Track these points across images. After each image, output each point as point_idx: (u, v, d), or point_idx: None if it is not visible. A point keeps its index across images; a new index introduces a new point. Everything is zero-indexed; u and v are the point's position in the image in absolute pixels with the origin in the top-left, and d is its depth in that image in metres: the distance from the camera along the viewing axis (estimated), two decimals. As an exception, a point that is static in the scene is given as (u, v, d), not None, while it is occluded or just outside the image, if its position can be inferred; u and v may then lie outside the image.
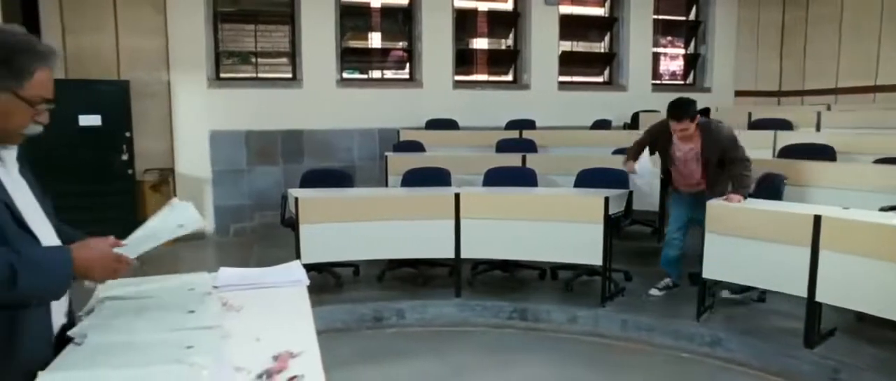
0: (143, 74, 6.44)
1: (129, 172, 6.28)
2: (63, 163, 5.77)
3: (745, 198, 3.90)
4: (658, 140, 4.29)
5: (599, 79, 8.79)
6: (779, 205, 3.94)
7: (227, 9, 7.02)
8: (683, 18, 9.09)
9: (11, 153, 1.44)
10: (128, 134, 6.24)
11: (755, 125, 6.76)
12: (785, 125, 6.41)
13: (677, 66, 9.28)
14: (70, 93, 5.86)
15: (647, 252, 5.49)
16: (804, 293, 3.48)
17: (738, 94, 9.11)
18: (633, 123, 7.70)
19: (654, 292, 4.44)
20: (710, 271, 3.90)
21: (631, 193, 4.66)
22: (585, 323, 4.22)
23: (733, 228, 3.78)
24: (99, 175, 6.12)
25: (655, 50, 8.79)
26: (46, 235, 1.45)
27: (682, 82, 9.20)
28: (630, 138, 6.52)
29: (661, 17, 8.74)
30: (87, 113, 6.04)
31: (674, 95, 8.62)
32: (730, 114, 7.75)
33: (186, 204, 1.57)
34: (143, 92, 6.41)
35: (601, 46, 8.81)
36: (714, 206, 3.88)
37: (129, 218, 6.02)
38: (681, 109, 3.98)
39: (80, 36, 6.22)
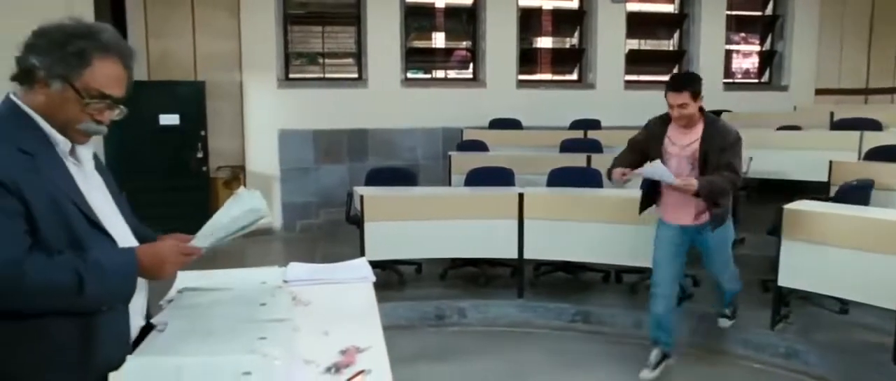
0: (217, 75, 6.73)
1: (204, 169, 6.57)
2: (144, 160, 6.13)
3: (697, 196, 3.20)
4: (652, 140, 3.39)
5: (667, 77, 8.50)
6: (865, 211, 3.71)
7: (296, 11, 7.24)
8: (759, 14, 8.68)
9: (88, 151, 1.42)
10: (203, 132, 6.54)
11: (838, 125, 6.38)
12: (873, 125, 6.01)
13: (751, 63, 8.88)
14: (152, 94, 6.22)
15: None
16: (894, 306, 3.26)
17: (819, 92, 8.62)
18: (704, 123, 7.42)
19: (645, 374, 3.42)
20: (786, 279, 3.71)
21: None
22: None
23: (814, 234, 3.58)
24: (176, 172, 6.43)
25: (728, 47, 8.44)
26: (122, 234, 1.44)
27: (756, 80, 8.80)
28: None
29: (734, 12, 8.39)
30: (167, 113, 6.37)
31: (748, 95, 8.36)
32: (809, 113, 7.37)
33: (253, 192, 1.55)
34: (218, 92, 6.70)
35: (670, 44, 8.54)
36: (792, 210, 3.69)
37: (202, 213, 6.19)
38: (682, 80, 3.27)
39: (162, 40, 6.56)
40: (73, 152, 1.36)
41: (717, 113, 7.48)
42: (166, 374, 1.25)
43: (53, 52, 1.26)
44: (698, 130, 3.26)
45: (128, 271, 1.31)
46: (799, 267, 3.64)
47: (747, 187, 6.50)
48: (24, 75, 1.28)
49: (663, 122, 3.36)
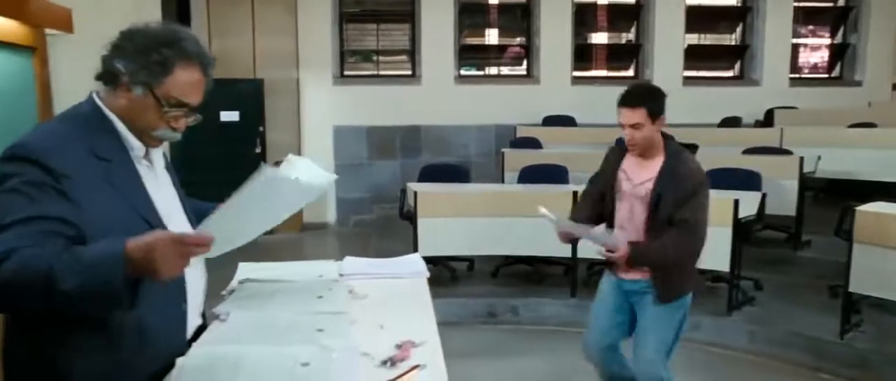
0: (275, 73, 6.91)
1: (262, 164, 6.74)
2: (204, 155, 6.34)
3: (641, 265, 2.46)
4: (605, 174, 2.66)
5: (729, 73, 8.22)
6: (946, 213, 3.48)
7: (352, 9, 7.35)
8: (830, 5, 8.26)
9: (159, 152, 1.43)
10: (261, 128, 6.73)
11: (917, 123, 6.02)
12: (955, 123, 5.65)
13: (820, 57, 8.47)
14: (213, 91, 6.37)
15: (780, 260, 5.06)
16: (976, 315, 3.05)
17: (896, 88, 8.16)
18: (767, 121, 7.13)
19: None
20: (857, 285, 3.53)
21: (764, 195, 4.32)
22: (708, 332, 3.96)
23: (889, 238, 3.38)
24: (234, 167, 6.56)
25: (794, 40, 8.08)
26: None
27: (825, 76, 8.38)
28: (763, 137, 6.10)
29: (803, 4, 8.01)
30: (227, 109, 6.58)
31: (817, 91, 7.98)
32: (886, 110, 6.96)
33: (303, 160, 1.46)
34: (275, 89, 6.88)
35: (731, 38, 8.24)
36: (865, 212, 3.50)
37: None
38: (637, 93, 2.44)
39: (224, 38, 6.78)
40: (146, 155, 1.38)
41: (769, 116, 7.26)
42: (228, 363, 1.29)
43: (138, 60, 1.26)
44: (658, 163, 2.46)
45: (110, 261, 1.08)
46: (871, 273, 3.45)
47: (814, 188, 6.23)
48: (108, 77, 1.30)
49: (621, 150, 2.59)
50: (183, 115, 1.34)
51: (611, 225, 2.57)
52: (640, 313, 2.56)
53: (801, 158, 5.05)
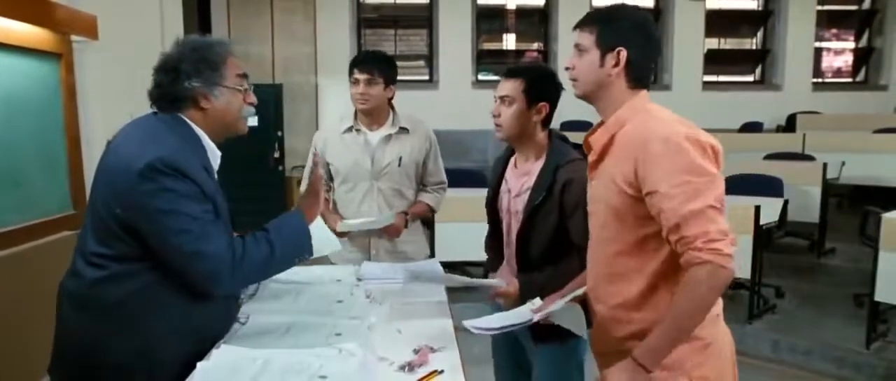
0: (294, 78, 6.97)
1: (280, 168, 6.81)
2: (225, 158, 6.37)
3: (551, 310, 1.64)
4: (490, 189, 2.05)
5: (749, 78, 8.13)
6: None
7: (370, 15, 7.39)
8: (855, 8, 8.13)
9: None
10: (280, 133, 6.78)
11: (944, 128, 5.90)
12: None
13: (843, 61, 8.33)
14: (233, 96, 6.51)
15: (803, 268, 4.98)
16: None
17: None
18: (789, 126, 7.03)
19: None
20: (884, 294, 3.45)
21: (786, 201, 4.25)
22: (730, 340, 3.91)
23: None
24: (253, 171, 6.69)
25: (817, 44, 7.96)
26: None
27: (849, 80, 8.25)
28: (785, 142, 6.01)
29: (826, 7, 7.90)
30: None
31: (841, 95, 7.84)
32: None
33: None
34: (294, 94, 6.94)
35: (752, 42, 8.15)
36: (893, 219, 3.43)
37: (279, 210, 6.54)
38: (521, 68, 1.90)
39: (245, 45, 6.85)
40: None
41: (791, 121, 7.15)
42: (251, 364, 1.30)
43: (203, 72, 1.45)
44: (537, 166, 1.84)
45: (300, 226, 1.53)
46: (899, 281, 3.38)
47: (838, 195, 6.12)
48: (186, 101, 1.47)
49: (507, 154, 2.00)
50: (249, 88, 1.55)
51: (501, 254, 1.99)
52: (538, 360, 1.89)
53: (825, 164, 4.97)
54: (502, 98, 1.83)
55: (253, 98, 1.56)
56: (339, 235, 2.13)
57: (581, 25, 1.48)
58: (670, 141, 1.28)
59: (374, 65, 2.33)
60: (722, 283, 1.25)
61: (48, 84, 2.77)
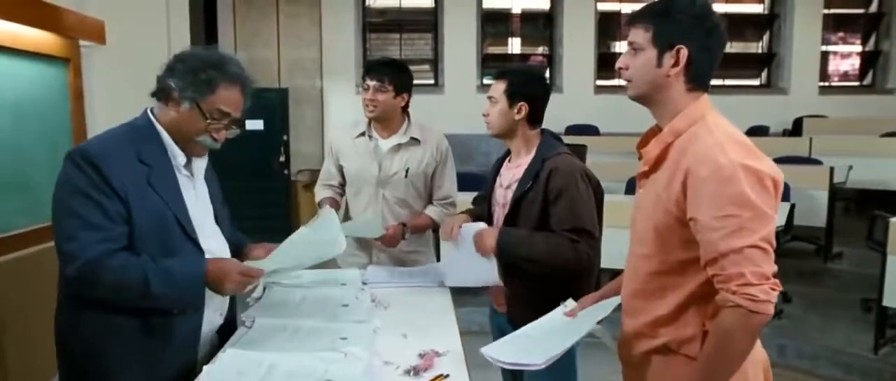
0: (299, 82, 7.00)
1: (285, 172, 6.83)
2: (230, 163, 6.42)
3: (508, 253, 1.84)
4: (485, 189, 2.15)
5: (755, 82, 8.10)
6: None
7: (375, 19, 7.41)
8: (861, 11, 8.10)
9: (202, 163, 1.57)
10: (285, 137, 6.80)
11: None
12: None
13: (850, 65, 8.30)
14: (239, 100, 6.55)
15: (810, 272, 4.95)
16: None
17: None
18: (795, 130, 7.00)
19: None
20: (892, 299, 3.42)
21: (792, 206, 4.23)
22: (737, 345, 3.89)
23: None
24: (259, 175, 6.72)
25: (824, 48, 7.93)
26: (218, 243, 1.56)
27: (856, 83, 8.21)
28: (791, 146, 5.98)
29: (832, 11, 7.87)
30: (252, 118, 6.66)
31: (848, 99, 7.80)
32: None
33: (332, 220, 1.67)
34: (299, 98, 6.96)
35: (758, 46, 8.13)
36: (898, 223, 3.41)
37: (283, 214, 6.59)
38: (505, 71, 2.01)
39: (250, 49, 6.89)
40: (187, 165, 1.52)
41: (797, 125, 7.11)
42: (257, 368, 1.31)
43: (187, 77, 1.44)
44: (528, 160, 1.94)
45: (194, 280, 1.42)
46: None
47: (845, 199, 6.09)
48: (161, 93, 1.47)
49: (506, 153, 2.10)
50: (223, 127, 1.50)
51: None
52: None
53: (832, 168, 4.94)
54: (489, 98, 1.96)
55: (221, 136, 1.50)
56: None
57: (635, 21, 1.32)
58: (722, 167, 1.16)
59: (385, 72, 2.31)
60: (754, 328, 1.16)
61: (56, 88, 2.79)
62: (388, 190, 2.35)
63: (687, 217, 1.21)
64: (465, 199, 2.73)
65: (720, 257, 1.15)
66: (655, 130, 1.37)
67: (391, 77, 2.30)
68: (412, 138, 2.38)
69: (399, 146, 2.37)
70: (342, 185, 2.48)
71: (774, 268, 1.16)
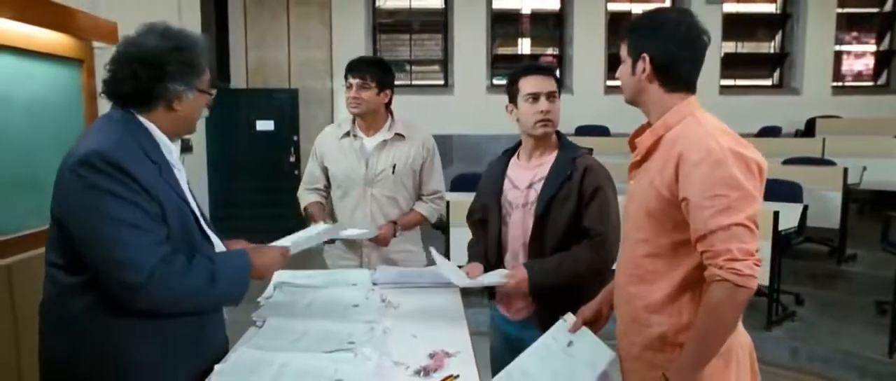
0: (310, 83, 7.02)
1: (296, 172, 6.85)
2: (241, 162, 6.50)
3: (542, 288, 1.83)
4: (487, 189, 2.13)
5: (767, 82, 8.05)
6: None
7: (385, 20, 7.43)
8: (875, 10, 8.02)
9: (178, 152, 1.48)
10: (295, 138, 6.83)
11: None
12: None
13: (864, 65, 8.22)
14: (249, 101, 6.60)
15: (823, 274, 4.90)
16: None
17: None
18: (808, 131, 6.94)
19: None
20: (906, 300, 3.39)
21: (805, 207, 4.19)
22: (748, 347, 3.86)
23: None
24: (270, 174, 6.75)
25: (837, 47, 7.86)
26: (215, 237, 1.50)
27: (870, 83, 8.13)
28: (804, 147, 5.93)
29: (846, 10, 7.80)
30: (263, 119, 6.70)
31: (861, 99, 7.73)
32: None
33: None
34: (310, 99, 6.98)
35: (770, 46, 8.07)
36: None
37: (293, 213, 6.61)
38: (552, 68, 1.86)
39: (260, 50, 6.93)
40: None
41: (810, 126, 7.04)
42: (268, 368, 1.31)
43: (187, 74, 1.38)
44: (549, 159, 1.93)
45: (243, 272, 1.41)
46: (921, 288, 3.32)
47: (859, 200, 6.03)
48: (163, 101, 1.38)
49: (506, 155, 2.14)
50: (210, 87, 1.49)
51: (500, 257, 2.02)
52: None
53: (845, 169, 4.89)
54: (549, 96, 1.93)
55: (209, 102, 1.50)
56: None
57: (620, 36, 1.51)
58: (713, 152, 1.28)
59: (366, 69, 2.34)
60: (740, 301, 1.25)
61: (70, 89, 2.81)
62: (376, 188, 2.37)
63: (679, 198, 1.31)
64: (466, 199, 2.73)
65: (709, 233, 1.25)
66: (646, 126, 1.49)
67: (373, 74, 2.33)
68: (397, 134, 2.40)
69: (384, 143, 2.39)
70: (327, 187, 2.50)
71: (758, 246, 1.27)
